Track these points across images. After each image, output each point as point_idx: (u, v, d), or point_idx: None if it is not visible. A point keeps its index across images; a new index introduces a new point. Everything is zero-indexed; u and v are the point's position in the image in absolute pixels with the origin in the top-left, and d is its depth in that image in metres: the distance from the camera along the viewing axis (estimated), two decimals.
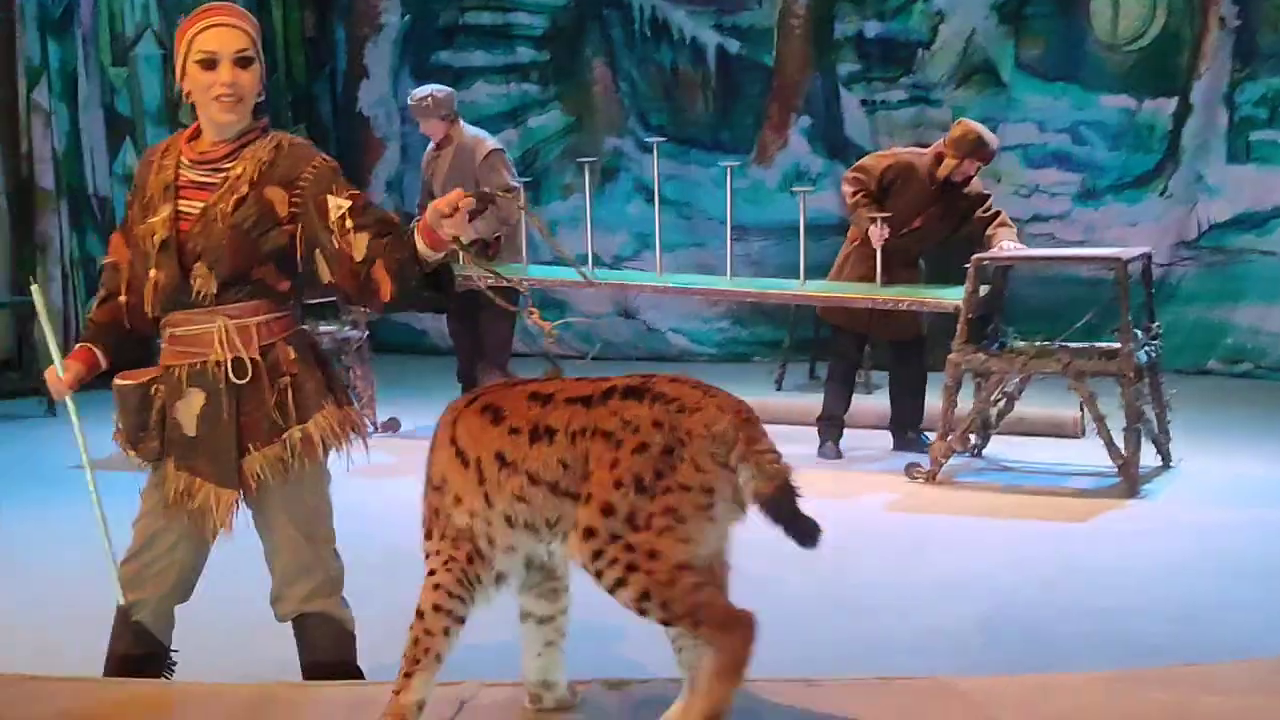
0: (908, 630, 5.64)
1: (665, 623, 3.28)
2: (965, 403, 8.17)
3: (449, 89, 9.63)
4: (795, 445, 8.89)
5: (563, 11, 12.88)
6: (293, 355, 4.09)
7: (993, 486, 8.04)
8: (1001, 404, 8.40)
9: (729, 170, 9.00)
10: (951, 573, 6.44)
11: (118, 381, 4.16)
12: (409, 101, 9.56)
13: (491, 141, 9.47)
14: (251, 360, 4.03)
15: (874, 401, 9.80)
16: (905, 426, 8.90)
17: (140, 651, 4.22)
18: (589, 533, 3.25)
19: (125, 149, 11.77)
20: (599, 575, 3.27)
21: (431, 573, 3.46)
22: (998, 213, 8.73)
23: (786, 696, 3.68)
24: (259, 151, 4.06)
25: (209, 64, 4.05)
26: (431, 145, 9.49)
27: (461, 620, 3.44)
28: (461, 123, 9.47)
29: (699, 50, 12.56)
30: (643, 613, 3.26)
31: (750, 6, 12.47)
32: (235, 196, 4.02)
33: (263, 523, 4.17)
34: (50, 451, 8.68)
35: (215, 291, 4.02)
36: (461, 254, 3.88)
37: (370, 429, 9.42)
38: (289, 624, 4.24)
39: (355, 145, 13.27)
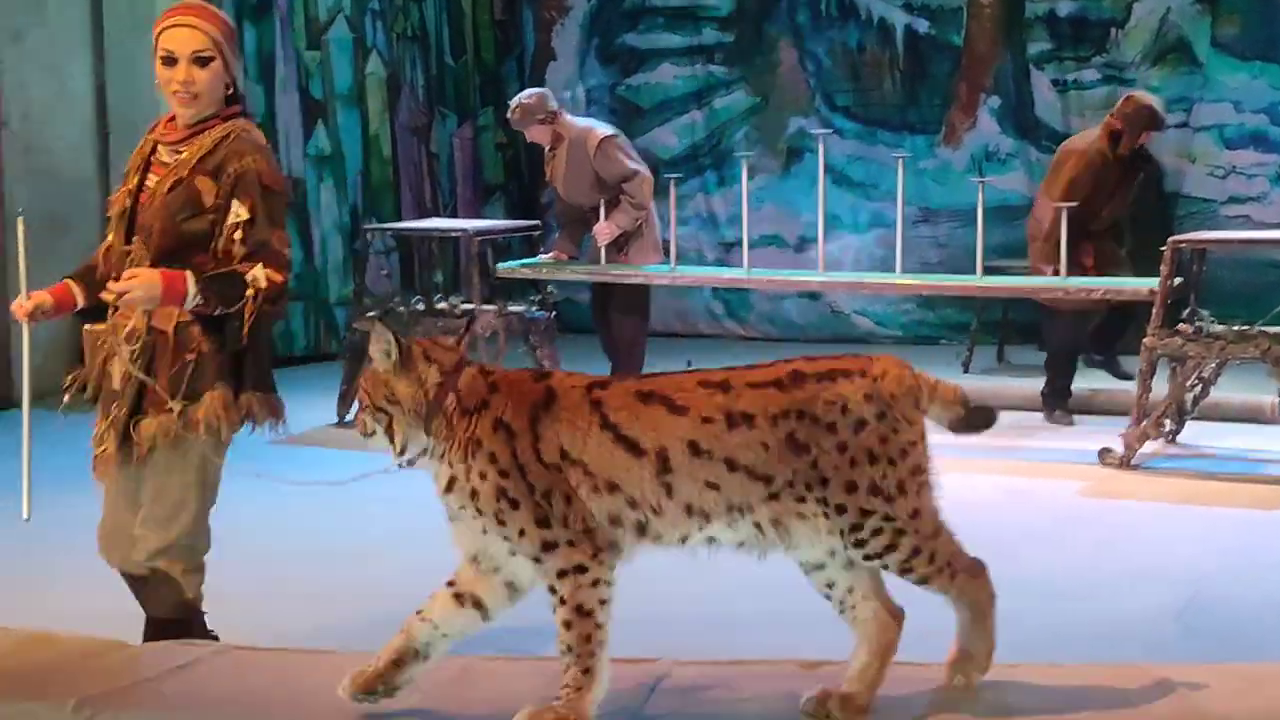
0: (1102, 617, 5.55)
1: (925, 579, 3.51)
2: (1160, 388, 8.01)
3: (540, 90, 9.59)
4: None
5: None
6: (200, 334, 4.26)
7: (1187, 473, 7.88)
8: (1197, 389, 8.22)
9: (901, 161, 8.85)
10: (1145, 560, 6.32)
11: (85, 327, 4.44)
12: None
13: (602, 129, 9.39)
14: (160, 332, 4.23)
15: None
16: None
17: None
18: (840, 509, 3.42)
19: (318, 132, 11.98)
20: (859, 545, 3.43)
21: (582, 568, 3.40)
22: None
23: (982, 680, 3.63)
24: (205, 139, 4.28)
25: (168, 61, 4.29)
26: (547, 150, 9.46)
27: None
28: (567, 118, 9.44)
29: (886, 30, 12.43)
30: (908, 570, 3.48)
31: None
32: (174, 178, 4.25)
33: (146, 477, 4.35)
34: None
35: (148, 264, 4.23)
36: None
37: None
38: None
39: None
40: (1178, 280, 7.98)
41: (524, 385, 3.46)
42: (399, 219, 12.20)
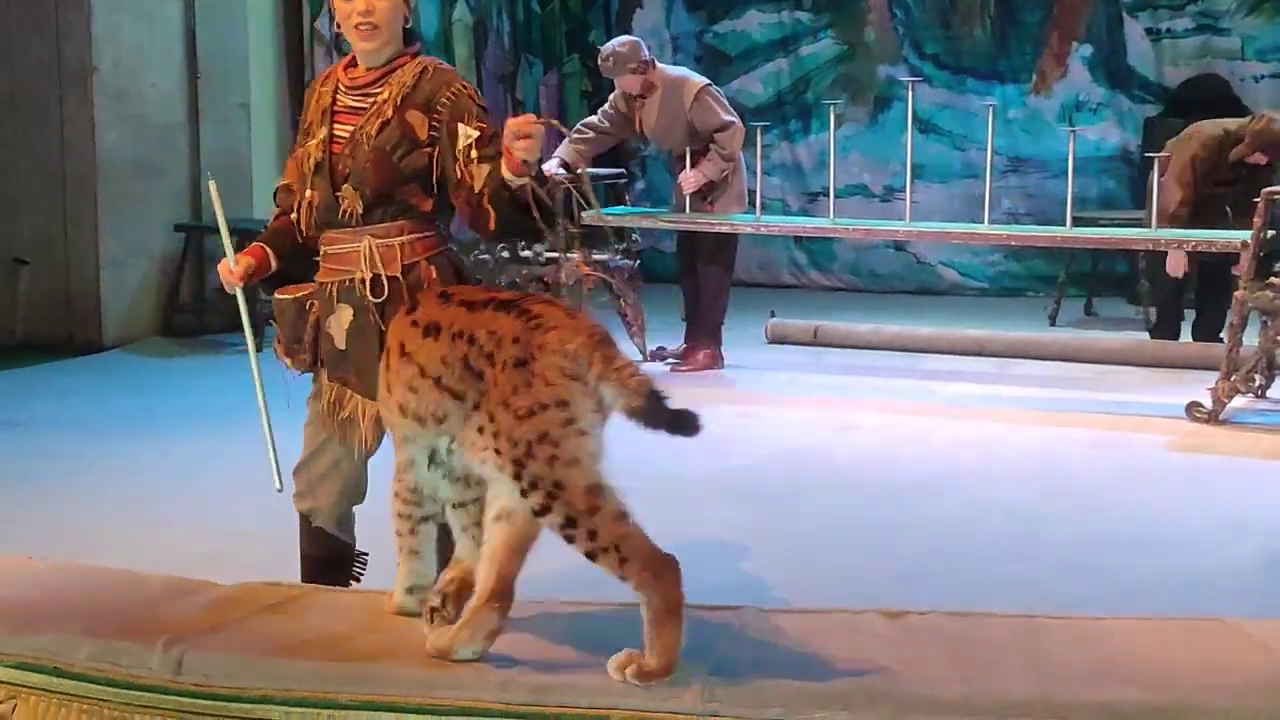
0: (1190, 570, 5.50)
1: (591, 556, 3.28)
2: (1251, 342, 7.92)
3: (632, 39, 9.48)
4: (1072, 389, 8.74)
5: None
6: (434, 275, 4.17)
7: (1277, 428, 7.79)
8: None
9: (991, 109, 8.74)
10: (1233, 514, 6.25)
11: (277, 295, 4.33)
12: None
13: (697, 79, 9.31)
14: (390, 278, 4.14)
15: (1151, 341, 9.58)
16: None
17: (325, 554, 4.42)
18: (502, 451, 3.32)
19: None
20: (523, 495, 3.31)
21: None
22: None
23: (1071, 632, 3.61)
24: (404, 76, 4.19)
25: None
26: (634, 97, 9.36)
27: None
28: (661, 67, 9.36)
29: None
30: (570, 540, 3.29)
31: None
32: (380, 120, 4.16)
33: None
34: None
35: (361, 211, 4.16)
36: (530, 181, 3.92)
37: (639, 358, 9.52)
38: None
39: None
40: (1271, 233, 7.86)
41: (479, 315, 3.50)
42: None
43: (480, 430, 3.37)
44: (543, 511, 3.30)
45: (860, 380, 9.04)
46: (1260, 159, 8.83)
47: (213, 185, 4.52)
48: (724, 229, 9.22)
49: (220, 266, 4.36)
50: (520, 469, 3.29)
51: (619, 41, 9.40)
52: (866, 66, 12.69)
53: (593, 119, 9.54)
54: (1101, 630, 3.64)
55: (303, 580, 4.39)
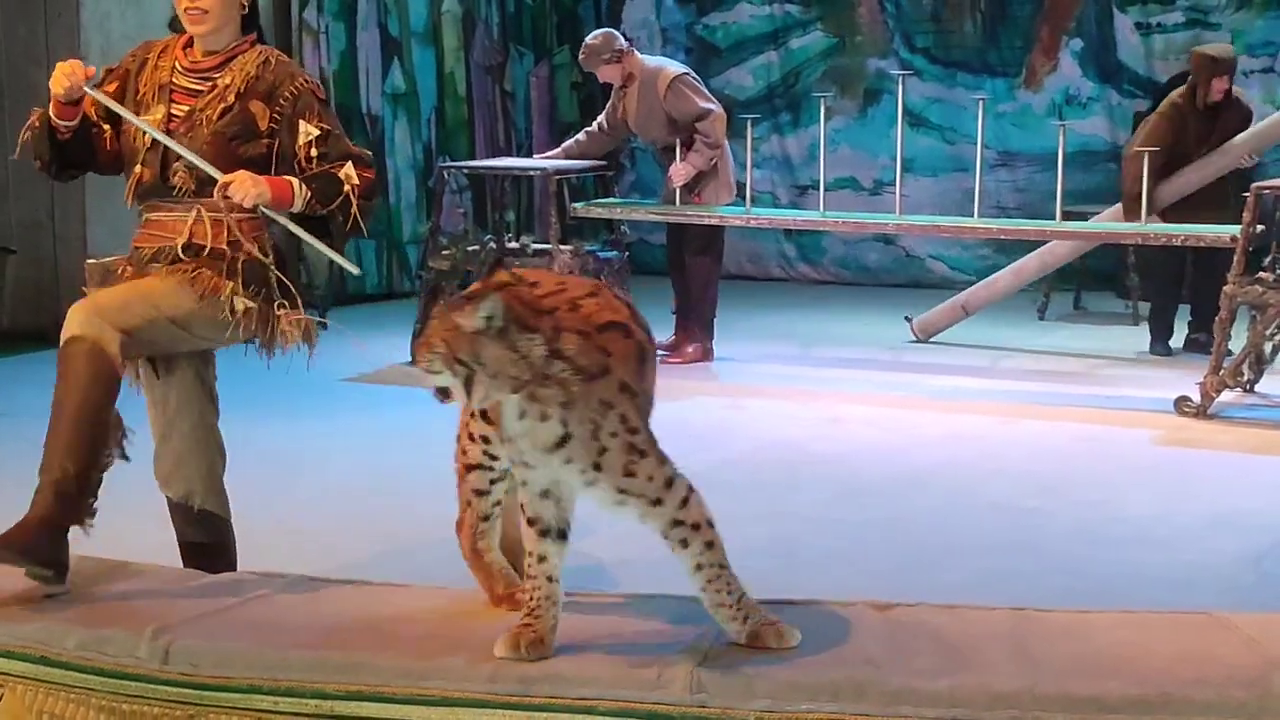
0: (1176, 564, 5.51)
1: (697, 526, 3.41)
2: (1240, 337, 7.94)
3: (607, 30, 9.51)
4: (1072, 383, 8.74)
5: None
6: (256, 254, 4.26)
7: (1265, 423, 7.80)
8: (1278, 338, 8.12)
9: (981, 103, 8.75)
10: (1220, 509, 6.27)
11: (88, 261, 4.41)
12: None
13: (673, 68, 9.29)
14: (213, 249, 4.21)
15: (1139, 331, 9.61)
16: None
17: (208, 537, 4.47)
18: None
19: (393, 69, 11.98)
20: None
21: (692, 489, 3.43)
22: None
23: (1058, 625, 3.62)
24: (245, 63, 4.29)
25: None
26: (617, 87, 9.39)
27: None
28: (638, 57, 9.35)
29: None
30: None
31: None
32: (222, 105, 4.25)
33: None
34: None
35: (194, 189, 4.24)
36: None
37: None
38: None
39: None
40: (1259, 227, 7.87)
41: (621, 343, 3.39)
42: (472, 158, 12.20)
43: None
44: (657, 503, 3.37)
45: (850, 373, 9.05)
46: (1220, 84, 9.07)
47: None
48: (713, 221, 9.21)
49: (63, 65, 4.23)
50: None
51: (593, 35, 9.44)
52: (856, 59, 12.68)
53: (600, 119, 9.56)
54: (1088, 623, 3.64)
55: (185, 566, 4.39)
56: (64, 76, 4.19)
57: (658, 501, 3.38)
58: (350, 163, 4.27)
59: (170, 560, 4.43)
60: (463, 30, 12.61)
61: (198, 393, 4.40)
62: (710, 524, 3.42)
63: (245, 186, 4.13)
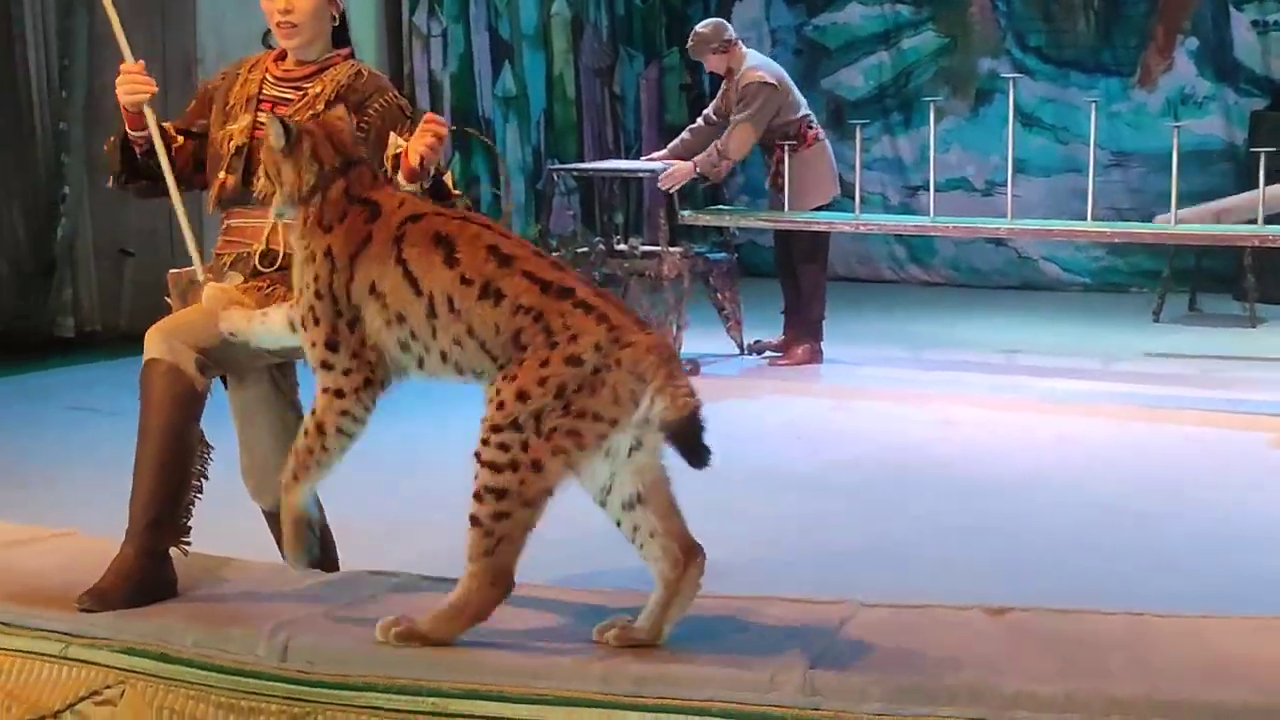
0: None
1: (475, 522, 3.41)
2: None
3: (717, 20, 9.47)
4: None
5: None
6: None
7: None
8: None
9: (1094, 106, 8.66)
10: None
11: (171, 271, 4.39)
12: None
13: (759, 73, 9.12)
14: (287, 254, 4.14)
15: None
16: None
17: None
18: (500, 405, 3.41)
19: (504, 72, 12.05)
20: (484, 443, 3.41)
21: (340, 393, 3.64)
22: None
23: (1176, 630, 3.58)
24: (338, 74, 4.25)
25: None
26: (722, 79, 9.38)
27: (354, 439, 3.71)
28: (741, 50, 9.27)
29: None
30: (479, 499, 3.40)
31: None
32: (310, 113, 4.19)
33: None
34: None
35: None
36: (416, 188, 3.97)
37: (737, 351, 9.51)
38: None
39: None
40: None
41: (357, 222, 3.64)
42: (581, 160, 12.24)
43: (502, 380, 3.45)
44: (491, 466, 3.40)
45: (960, 376, 8.98)
46: None
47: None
48: (820, 227, 9.17)
49: (125, 67, 4.26)
50: (515, 430, 3.39)
51: (703, 23, 9.42)
52: (968, 59, 12.59)
53: (707, 110, 9.54)
54: (1206, 628, 3.60)
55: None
56: (126, 81, 4.23)
57: (315, 370, 3.69)
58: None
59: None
60: (572, 33, 12.66)
61: (277, 402, 4.40)
62: (321, 430, 3.66)
63: (438, 150, 4.05)
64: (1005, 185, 8.98)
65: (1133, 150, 11.96)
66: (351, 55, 4.39)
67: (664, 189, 9.21)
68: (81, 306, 9.76)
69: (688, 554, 3.53)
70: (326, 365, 3.65)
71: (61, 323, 9.69)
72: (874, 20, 12.87)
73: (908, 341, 10.04)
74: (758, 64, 9.24)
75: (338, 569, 4.42)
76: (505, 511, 3.40)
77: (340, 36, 4.39)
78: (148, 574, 3.92)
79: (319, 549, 3.96)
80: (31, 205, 9.71)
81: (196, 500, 4.11)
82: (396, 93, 4.33)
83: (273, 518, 4.42)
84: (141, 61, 4.26)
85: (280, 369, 4.37)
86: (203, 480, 4.17)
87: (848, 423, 7.85)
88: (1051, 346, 9.86)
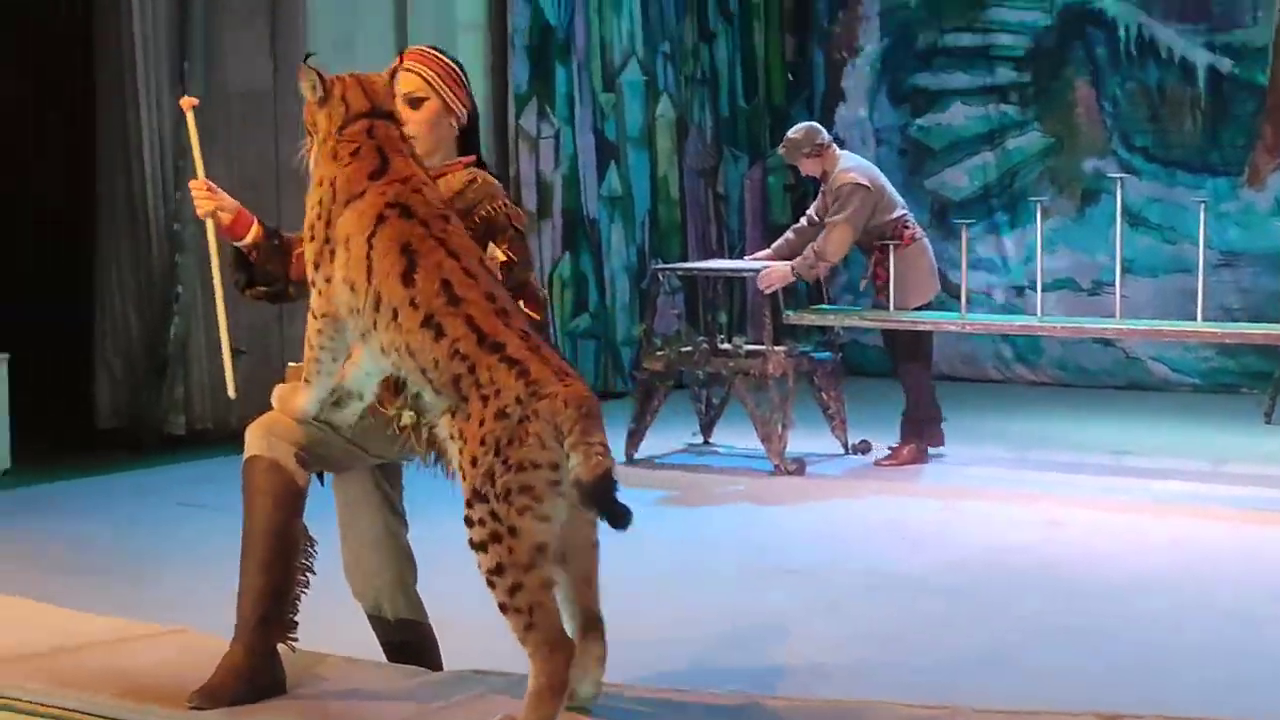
0: None
1: (504, 608, 3.50)
2: None
3: (809, 125, 9.47)
4: None
5: (1045, 32, 12.62)
6: None
7: None
8: None
9: (1202, 206, 8.60)
10: None
11: (290, 365, 4.34)
12: None
13: (852, 174, 9.07)
14: None
15: None
16: None
17: (408, 637, 4.45)
18: (464, 478, 3.55)
19: (610, 173, 12.15)
20: (468, 524, 3.54)
21: (313, 314, 3.88)
22: None
23: None
24: (452, 182, 4.23)
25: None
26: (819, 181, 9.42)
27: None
28: (835, 153, 9.27)
29: (1188, 69, 12.10)
30: (491, 586, 3.53)
31: (1244, 24, 11.95)
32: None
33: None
34: None
35: None
36: None
37: (842, 451, 9.47)
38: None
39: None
40: None
41: (362, 169, 3.82)
42: (684, 259, 12.30)
43: (454, 438, 3.61)
44: (480, 547, 3.52)
45: (1067, 476, 8.88)
46: None
47: (187, 104, 4.48)
48: (926, 327, 9.14)
49: (192, 183, 4.34)
50: (481, 501, 3.51)
51: (795, 128, 9.44)
52: (1074, 159, 12.53)
53: (809, 212, 9.57)
54: None
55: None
56: (194, 196, 4.31)
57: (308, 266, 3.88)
58: (522, 301, 4.17)
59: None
60: (676, 134, 12.76)
61: (378, 503, 4.41)
62: (309, 344, 3.89)
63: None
64: (1111, 285, 8.91)
65: (1242, 250, 11.83)
66: (477, 162, 4.37)
67: (762, 289, 9.23)
68: (193, 404, 9.89)
69: (586, 628, 3.68)
70: (312, 283, 3.87)
71: (173, 420, 9.82)
72: (978, 120, 12.87)
73: (1014, 441, 9.96)
74: (851, 165, 9.24)
75: (441, 668, 4.42)
76: (515, 584, 3.49)
77: (468, 142, 4.39)
78: (257, 672, 3.95)
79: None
80: (146, 304, 9.89)
81: (303, 595, 4.14)
82: (506, 200, 4.29)
83: (375, 619, 4.45)
84: (205, 179, 4.31)
85: (383, 470, 4.39)
86: (309, 575, 4.19)
87: (954, 523, 7.79)
88: (1160, 447, 9.73)
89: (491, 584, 3.52)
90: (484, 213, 4.20)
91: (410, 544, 4.46)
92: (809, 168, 9.31)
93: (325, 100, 3.89)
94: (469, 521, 3.53)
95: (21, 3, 10.89)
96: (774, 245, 9.70)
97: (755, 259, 9.79)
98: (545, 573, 3.52)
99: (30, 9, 11.01)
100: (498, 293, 3.72)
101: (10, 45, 11.19)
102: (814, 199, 9.67)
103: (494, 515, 3.48)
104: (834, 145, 9.36)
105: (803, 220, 9.57)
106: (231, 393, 4.48)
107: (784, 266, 9.14)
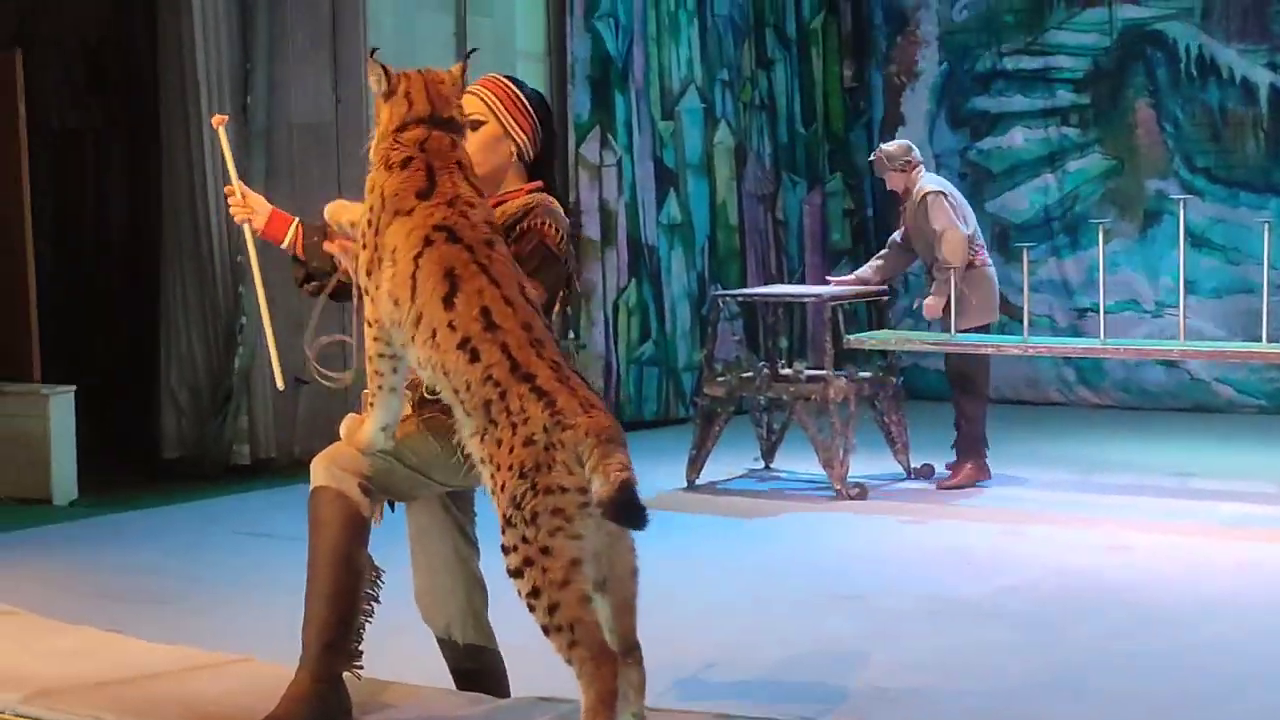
0: None
1: (546, 629, 3.53)
2: None
3: (903, 142, 9.53)
4: None
5: (1104, 54, 12.57)
6: None
7: None
8: None
9: (1266, 226, 8.54)
10: None
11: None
12: None
13: (930, 184, 9.20)
14: None
15: None
16: None
17: (478, 665, 4.43)
18: (497, 501, 3.62)
19: (669, 200, 12.17)
20: (504, 551, 3.59)
21: (368, 323, 3.91)
22: None
23: None
24: (510, 207, 4.21)
25: None
26: (902, 202, 9.43)
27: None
28: (919, 172, 9.31)
29: (1250, 89, 12.02)
30: (531, 609, 3.55)
31: None
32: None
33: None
34: None
35: None
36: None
37: (904, 475, 9.45)
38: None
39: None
40: None
41: (409, 187, 3.85)
42: (743, 285, 12.30)
43: (485, 463, 3.68)
44: (517, 573, 3.56)
45: (1132, 500, 8.82)
46: None
47: (219, 121, 4.54)
48: (989, 350, 9.10)
49: (226, 189, 4.43)
50: (511, 526, 3.56)
51: (892, 141, 9.52)
52: (1135, 181, 12.47)
53: (894, 235, 9.60)
54: None
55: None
56: (232, 207, 4.40)
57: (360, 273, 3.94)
58: None
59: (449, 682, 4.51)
60: (735, 161, 12.77)
61: (449, 528, 4.41)
62: (369, 356, 3.96)
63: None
64: (1174, 306, 8.85)
65: None
66: (544, 188, 4.31)
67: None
68: (257, 434, 9.97)
69: (624, 653, 3.66)
70: (365, 290, 3.90)
71: (237, 450, 9.91)
72: (1038, 144, 12.83)
73: (1077, 464, 9.90)
74: (931, 180, 9.31)
75: (509, 695, 4.44)
76: (553, 604, 3.52)
77: (537, 171, 4.35)
78: (323, 700, 3.98)
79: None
80: (210, 335, 9.98)
81: (368, 624, 4.16)
82: (552, 227, 4.18)
83: (445, 643, 4.46)
84: (237, 184, 4.39)
85: (454, 497, 4.40)
86: (374, 604, 4.22)
87: (1017, 547, 7.74)
88: (1227, 470, 9.65)
89: (531, 607, 3.55)
90: (524, 244, 4.12)
91: (481, 571, 4.47)
92: (894, 181, 9.33)
93: (390, 95, 3.97)
94: (505, 549, 3.59)
95: (87, 35, 11.05)
96: (871, 266, 9.67)
97: (841, 282, 9.79)
98: (582, 587, 3.55)
99: (96, 41, 11.17)
100: (534, 323, 3.75)
101: (78, 78, 11.35)
102: (874, 222, 9.67)
103: (525, 540, 3.54)
104: (922, 166, 9.39)
105: (893, 239, 9.58)
106: (279, 384, 4.49)
107: (934, 299, 9.11)
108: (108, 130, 11.47)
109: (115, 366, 10.81)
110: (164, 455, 9.97)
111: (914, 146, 9.45)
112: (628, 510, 3.47)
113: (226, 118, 4.62)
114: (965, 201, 9.38)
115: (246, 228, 4.43)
